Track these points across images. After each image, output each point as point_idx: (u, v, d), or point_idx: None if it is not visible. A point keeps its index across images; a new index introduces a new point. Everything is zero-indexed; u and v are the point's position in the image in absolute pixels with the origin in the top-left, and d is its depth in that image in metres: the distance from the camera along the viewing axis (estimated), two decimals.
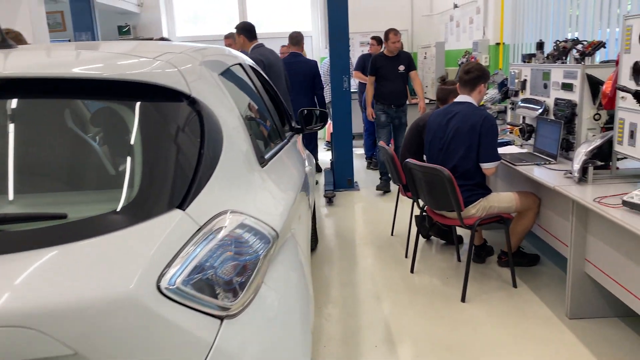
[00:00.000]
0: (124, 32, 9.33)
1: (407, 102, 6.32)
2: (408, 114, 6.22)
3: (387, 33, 6.03)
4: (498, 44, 6.23)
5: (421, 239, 4.34)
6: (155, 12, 9.63)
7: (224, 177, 1.44)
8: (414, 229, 4.14)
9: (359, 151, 8.24)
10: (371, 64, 6.08)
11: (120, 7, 8.71)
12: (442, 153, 3.41)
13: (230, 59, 2.15)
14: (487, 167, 3.30)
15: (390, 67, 6.04)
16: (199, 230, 1.26)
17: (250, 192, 1.55)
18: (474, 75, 3.43)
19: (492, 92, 4.91)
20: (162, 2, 9.72)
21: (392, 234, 4.60)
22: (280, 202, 1.73)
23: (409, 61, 6.17)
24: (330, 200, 5.60)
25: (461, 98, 3.47)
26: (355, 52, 9.28)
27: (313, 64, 6.35)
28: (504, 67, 6.03)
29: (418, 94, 6.30)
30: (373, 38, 8.12)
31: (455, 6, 7.69)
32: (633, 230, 2.19)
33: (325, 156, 7.81)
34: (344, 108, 5.96)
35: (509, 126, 4.43)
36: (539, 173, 3.23)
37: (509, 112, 4.56)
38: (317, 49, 10.11)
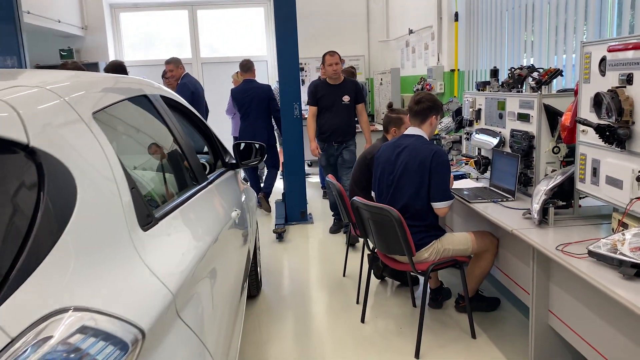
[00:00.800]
0: (65, 55, 8.82)
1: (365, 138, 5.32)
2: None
3: (323, 56, 5.22)
4: (453, 70, 6.05)
5: (375, 280, 3.99)
6: (101, 35, 9.18)
7: (71, 255, 1.06)
8: (369, 268, 3.79)
9: (315, 179, 7.92)
10: (310, 92, 5.20)
11: (62, 30, 8.23)
12: (391, 190, 3.09)
13: (124, 92, 1.77)
14: (438, 206, 3.00)
15: (332, 97, 5.14)
16: (9, 344, 0.87)
17: (117, 270, 1.17)
18: (424, 106, 3.15)
19: (447, 121, 4.67)
20: (108, 25, 9.29)
21: (344, 275, 4.24)
22: (171, 274, 1.35)
23: (357, 91, 5.25)
24: (280, 236, 5.21)
25: (411, 130, 3.18)
26: (312, 78, 9.03)
27: (267, 88, 6.25)
28: (459, 94, 5.84)
29: (364, 132, 5.32)
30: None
31: (411, 32, 7.54)
32: (599, 287, 1.90)
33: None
34: (294, 136, 5.63)
35: (464, 157, 4.17)
36: (496, 212, 2.94)
37: (464, 142, 4.32)
38: (273, 74, 9.83)
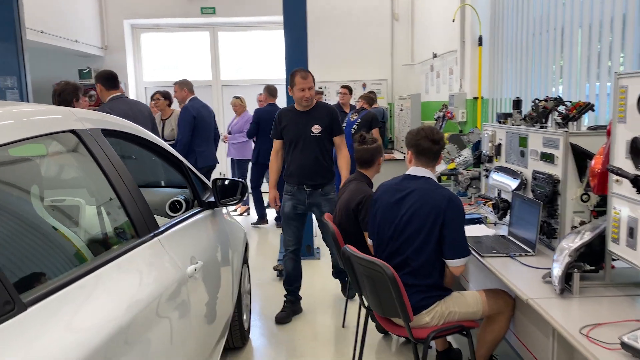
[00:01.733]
0: (84, 75, 8.75)
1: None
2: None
3: (291, 75, 3.92)
4: (476, 98, 5.61)
5: (377, 334, 3.55)
6: (121, 55, 9.10)
7: None
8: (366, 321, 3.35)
9: None
10: (274, 121, 4.07)
11: (80, 50, 8.17)
12: (392, 242, 2.65)
13: (36, 128, 1.44)
14: (454, 264, 2.53)
15: (299, 126, 3.93)
16: None
17: None
18: (441, 146, 2.73)
19: (466, 154, 4.23)
20: (128, 46, 9.21)
21: (343, 326, 3.80)
22: None
23: (332, 120, 3.95)
24: (281, 274, 4.82)
25: (416, 171, 2.73)
26: (332, 102, 8.72)
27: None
28: (481, 124, 5.39)
29: (341, 171, 4.02)
30: (344, 87, 7.57)
31: (435, 55, 7.15)
32: None
33: None
34: None
35: (482, 198, 3.72)
36: (512, 271, 2.48)
37: (483, 178, 3.87)
38: None
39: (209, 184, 2.90)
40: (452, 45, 6.29)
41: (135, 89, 9.39)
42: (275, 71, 9.35)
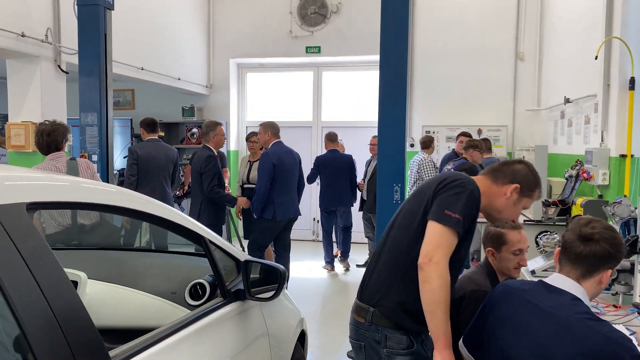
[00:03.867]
0: (187, 113, 8.72)
1: None
2: None
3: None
4: (624, 156, 4.38)
5: None
6: (225, 94, 8.99)
7: None
8: None
9: None
10: None
11: (185, 88, 8.14)
12: None
13: None
14: None
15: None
16: None
17: None
18: (600, 250, 1.67)
19: None
20: (233, 85, 9.09)
21: None
22: None
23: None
24: None
25: (559, 281, 1.72)
26: (441, 149, 7.79)
27: (348, 158, 6.81)
28: (633, 193, 4.15)
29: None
30: (463, 134, 6.65)
31: (568, 101, 5.98)
32: None
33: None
34: None
35: (635, 306, 2.59)
36: None
37: (638, 274, 2.73)
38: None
39: (241, 256, 2.17)
40: (591, 89, 5.13)
41: (236, 128, 9.21)
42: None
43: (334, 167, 6.64)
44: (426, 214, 1.92)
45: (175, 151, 5.60)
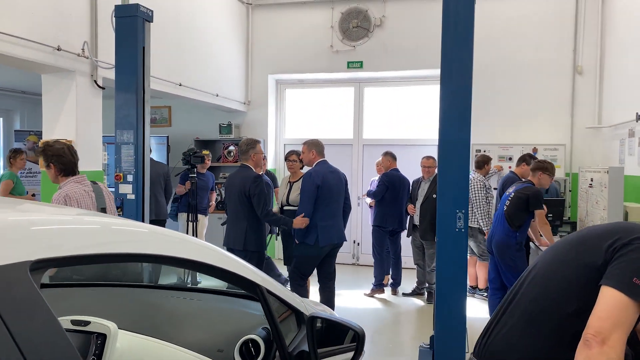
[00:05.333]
0: (224, 130, 8.46)
1: None
2: None
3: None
4: None
5: None
6: (263, 111, 8.70)
7: None
8: None
9: (478, 313, 5.93)
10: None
11: (223, 105, 7.89)
12: None
13: None
14: None
15: None
16: None
17: None
18: None
19: None
20: (271, 101, 8.79)
21: None
22: None
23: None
24: None
25: None
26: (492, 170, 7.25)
27: (405, 178, 6.59)
28: None
29: None
30: (528, 157, 6.13)
31: (639, 117, 5.44)
32: None
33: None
34: (455, 255, 3.92)
35: None
36: None
37: None
38: None
39: (303, 307, 1.76)
40: None
41: (274, 146, 8.89)
42: (422, 131, 8.21)
43: (398, 187, 6.43)
44: (588, 269, 1.49)
45: (167, 167, 6.47)
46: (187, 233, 6.31)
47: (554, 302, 1.54)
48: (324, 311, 2.13)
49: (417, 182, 6.36)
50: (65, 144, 3.55)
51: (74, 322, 1.74)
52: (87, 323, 1.72)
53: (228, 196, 4.75)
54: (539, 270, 1.68)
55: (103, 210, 3.44)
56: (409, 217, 6.44)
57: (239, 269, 1.49)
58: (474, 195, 6.06)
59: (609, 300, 1.40)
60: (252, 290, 1.53)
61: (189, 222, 6.14)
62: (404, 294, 6.38)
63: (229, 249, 4.73)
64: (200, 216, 6.69)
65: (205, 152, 7.38)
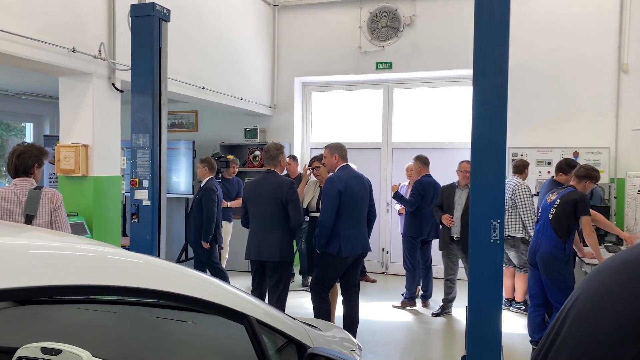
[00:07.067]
0: (249, 134, 8.28)
1: None
2: None
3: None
4: None
5: None
6: (289, 114, 8.50)
7: None
8: None
9: (515, 328, 5.53)
10: None
11: (248, 109, 7.71)
12: None
13: None
14: None
15: None
16: None
17: None
18: None
19: None
20: (297, 105, 8.58)
21: None
22: None
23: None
24: None
25: None
26: (532, 176, 6.83)
27: (438, 184, 6.22)
28: None
29: None
30: (565, 166, 5.67)
31: None
32: None
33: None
34: (489, 266, 3.59)
35: None
36: None
37: None
38: None
39: (304, 337, 1.50)
40: None
41: (300, 150, 8.67)
42: (454, 134, 7.84)
43: (432, 195, 6.07)
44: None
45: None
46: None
47: (605, 347, 1.18)
48: (333, 337, 1.86)
49: (451, 189, 5.89)
50: (17, 148, 3.50)
51: (44, 350, 1.53)
52: (58, 352, 1.51)
53: (254, 203, 4.42)
54: (583, 304, 1.30)
55: (28, 217, 3.33)
56: (441, 227, 5.95)
57: (225, 297, 1.24)
58: (520, 201, 5.63)
59: None
60: (239, 320, 1.28)
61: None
62: (434, 314, 5.93)
63: (254, 261, 4.48)
64: (224, 222, 6.51)
65: (229, 156, 7.21)
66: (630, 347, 1.07)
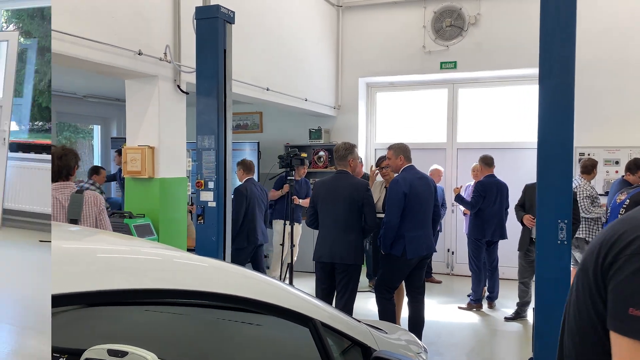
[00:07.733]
0: (314, 135, 8.45)
1: None
2: None
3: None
4: None
5: None
6: (353, 115, 8.59)
7: None
8: None
9: None
10: None
11: (312, 110, 7.87)
12: None
13: None
14: None
15: None
16: None
17: None
18: None
19: None
20: (361, 105, 8.66)
21: None
22: None
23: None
24: None
25: None
26: (600, 175, 6.56)
27: (503, 184, 6.16)
28: None
29: None
30: (633, 166, 5.46)
31: None
32: None
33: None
34: (556, 270, 3.52)
35: None
36: None
37: None
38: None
39: (370, 340, 1.59)
40: None
41: (365, 151, 8.73)
42: (521, 134, 7.64)
43: (495, 195, 6.00)
44: (600, 316, 1.02)
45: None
46: (282, 241, 6.16)
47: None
48: (398, 339, 1.93)
49: (534, 188, 5.65)
50: (55, 150, 3.43)
51: (110, 352, 1.58)
52: (124, 354, 1.56)
53: (327, 204, 4.36)
54: (568, 308, 1.18)
55: (72, 221, 3.22)
56: (522, 228, 5.63)
57: (290, 300, 1.36)
58: (579, 203, 5.46)
59: (615, 350, 0.96)
60: (303, 323, 1.38)
61: (285, 229, 5.86)
62: (506, 319, 5.72)
63: (325, 263, 4.36)
64: (294, 223, 6.58)
65: (303, 154, 7.19)
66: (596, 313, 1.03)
